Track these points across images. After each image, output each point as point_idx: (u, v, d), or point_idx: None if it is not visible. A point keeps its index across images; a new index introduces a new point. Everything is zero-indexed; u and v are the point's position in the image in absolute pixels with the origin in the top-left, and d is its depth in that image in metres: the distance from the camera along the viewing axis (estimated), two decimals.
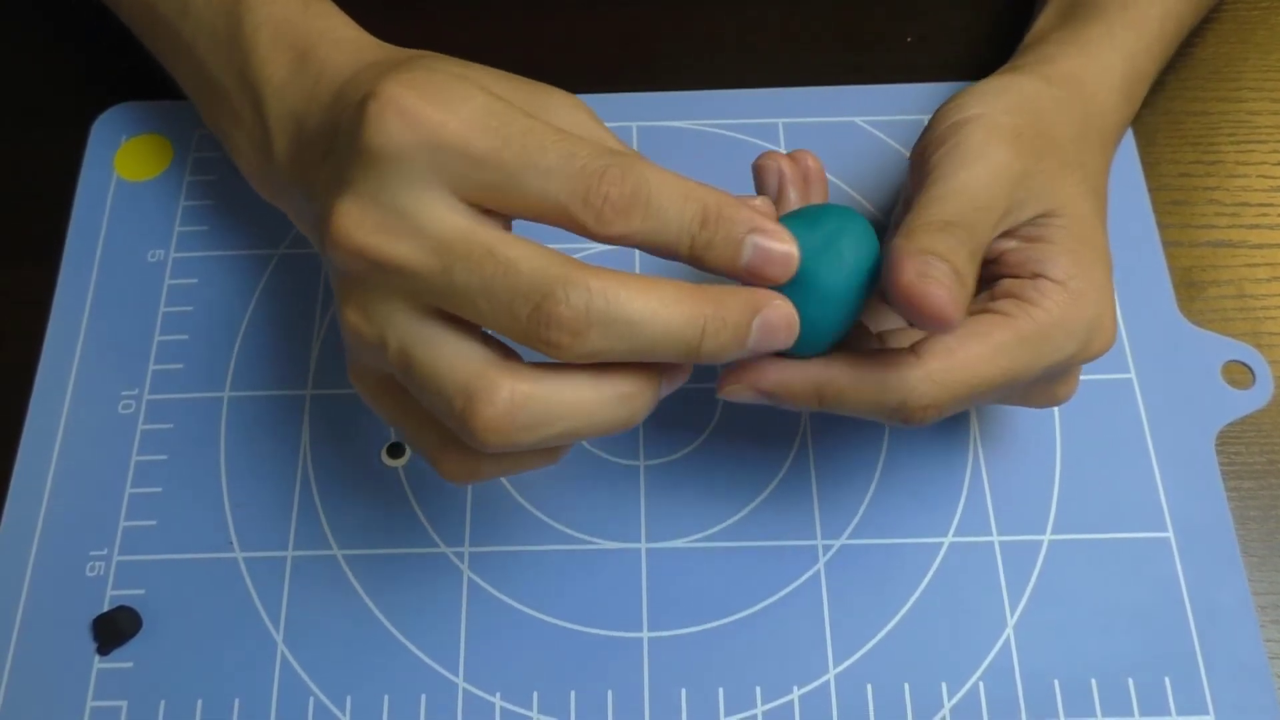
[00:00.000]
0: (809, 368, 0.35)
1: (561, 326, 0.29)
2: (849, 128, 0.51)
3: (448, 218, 0.31)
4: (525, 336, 0.30)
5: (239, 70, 0.40)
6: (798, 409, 0.36)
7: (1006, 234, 0.37)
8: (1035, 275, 0.36)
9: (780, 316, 0.32)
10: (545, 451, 0.34)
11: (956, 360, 0.35)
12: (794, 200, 0.38)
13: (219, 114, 0.42)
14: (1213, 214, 0.50)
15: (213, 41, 0.42)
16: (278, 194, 0.41)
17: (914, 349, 0.35)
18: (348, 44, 0.39)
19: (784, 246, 0.32)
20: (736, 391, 0.35)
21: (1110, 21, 0.44)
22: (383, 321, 0.32)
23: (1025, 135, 0.38)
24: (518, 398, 0.30)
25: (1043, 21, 0.47)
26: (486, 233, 0.31)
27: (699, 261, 0.32)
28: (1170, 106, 0.53)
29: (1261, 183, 0.51)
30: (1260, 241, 0.49)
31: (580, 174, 0.30)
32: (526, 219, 0.31)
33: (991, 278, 0.37)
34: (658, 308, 0.30)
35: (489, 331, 0.32)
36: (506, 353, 0.32)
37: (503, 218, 0.32)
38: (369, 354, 0.33)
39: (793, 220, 0.35)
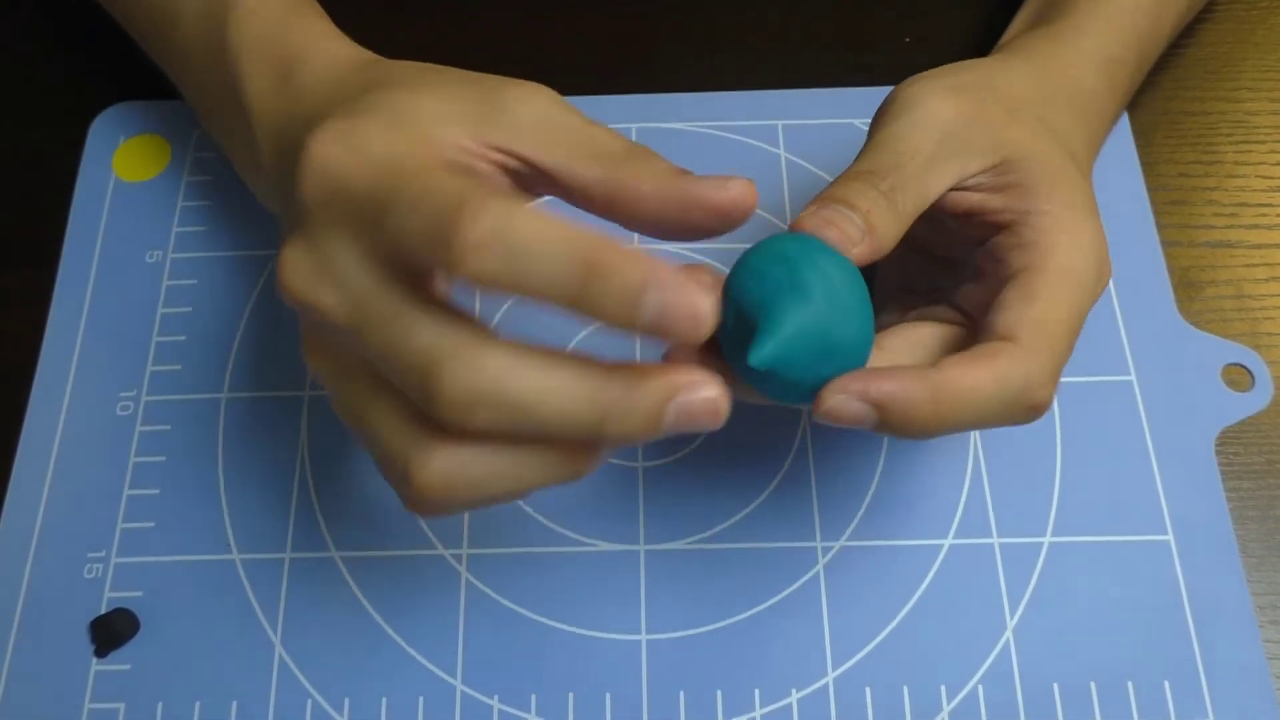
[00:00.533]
0: (922, 371, 0.33)
1: (446, 404, 0.28)
2: (848, 129, 0.51)
3: (361, 276, 0.30)
4: (422, 402, 0.29)
5: (229, 85, 0.40)
6: (902, 430, 0.33)
7: (968, 188, 0.37)
8: (1023, 213, 0.36)
9: (701, 403, 0.29)
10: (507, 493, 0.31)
11: (1036, 315, 0.34)
12: None
13: (217, 126, 0.43)
14: (1211, 214, 0.50)
15: (204, 54, 0.41)
16: (274, 206, 0.41)
17: (995, 333, 0.34)
18: (324, 65, 0.38)
19: (689, 300, 0.27)
20: (840, 405, 0.32)
21: (1080, 15, 0.44)
22: (334, 367, 0.32)
23: (966, 91, 0.38)
24: (449, 467, 0.29)
25: (1015, 25, 0.47)
26: (393, 294, 0.30)
27: (590, 318, 0.28)
28: (1169, 106, 0.53)
29: (1260, 183, 0.51)
30: (1259, 242, 0.49)
31: (444, 242, 0.28)
32: (411, 268, 0.30)
33: (982, 237, 0.37)
34: (553, 389, 0.28)
35: None
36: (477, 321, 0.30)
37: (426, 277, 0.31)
38: (326, 366, 0.33)
39: (757, 255, 0.33)
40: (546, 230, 0.27)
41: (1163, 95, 0.53)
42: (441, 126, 0.33)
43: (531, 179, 0.34)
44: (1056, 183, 0.36)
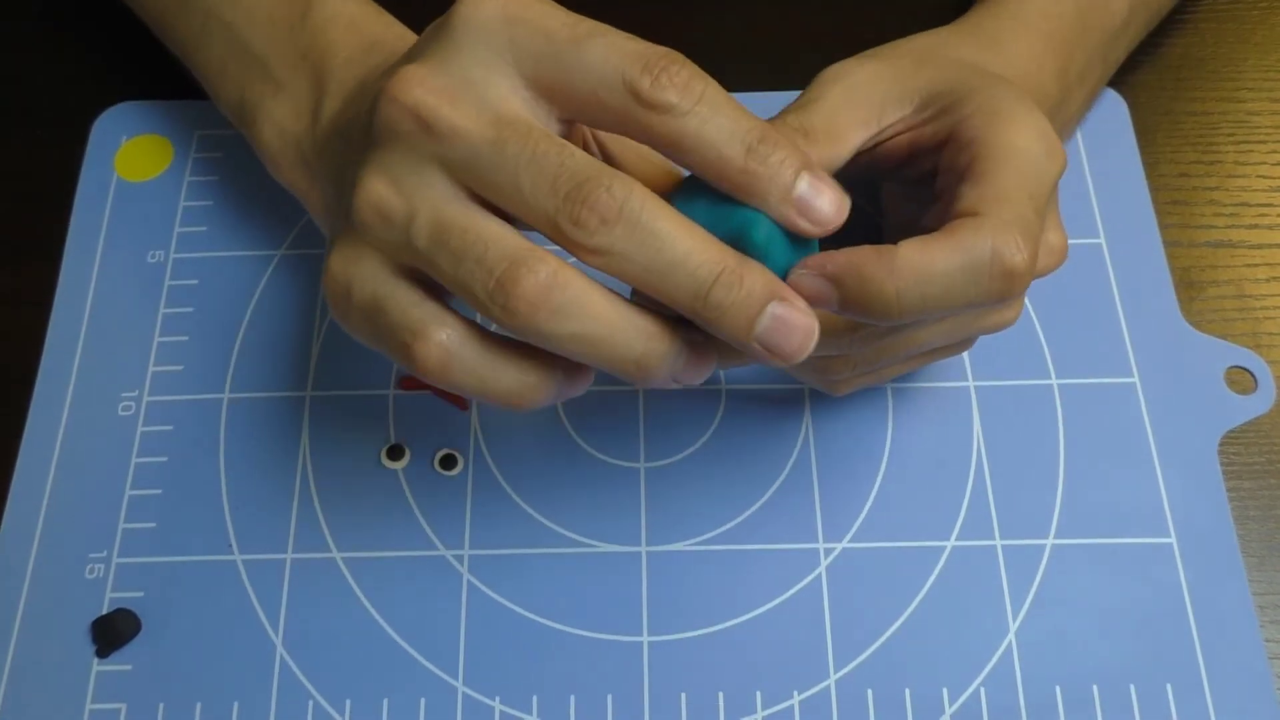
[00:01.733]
0: (880, 247, 0.32)
1: (596, 209, 0.29)
2: None
3: (511, 97, 0.31)
4: (555, 208, 0.29)
5: (299, 51, 0.41)
6: (866, 308, 0.33)
7: (896, 134, 0.37)
8: (955, 124, 0.36)
9: (801, 322, 0.30)
10: (521, 389, 0.32)
11: (991, 190, 0.33)
12: None
13: (251, 84, 0.42)
14: (1212, 214, 0.50)
15: (269, 25, 0.42)
16: (304, 164, 0.41)
17: (961, 210, 0.34)
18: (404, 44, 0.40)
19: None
20: (799, 280, 0.32)
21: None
22: (414, 191, 0.31)
23: (877, 55, 0.39)
24: (559, 277, 0.30)
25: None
26: (544, 123, 0.31)
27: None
28: (1170, 107, 0.53)
29: (1261, 183, 0.51)
30: (1259, 242, 0.49)
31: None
32: (579, 115, 0.32)
33: (934, 169, 0.37)
34: (686, 235, 0.29)
35: None
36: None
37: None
38: (385, 228, 0.32)
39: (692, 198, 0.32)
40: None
41: (1164, 95, 0.53)
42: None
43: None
44: (980, 89, 0.36)
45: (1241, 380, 0.46)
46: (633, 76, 0.30)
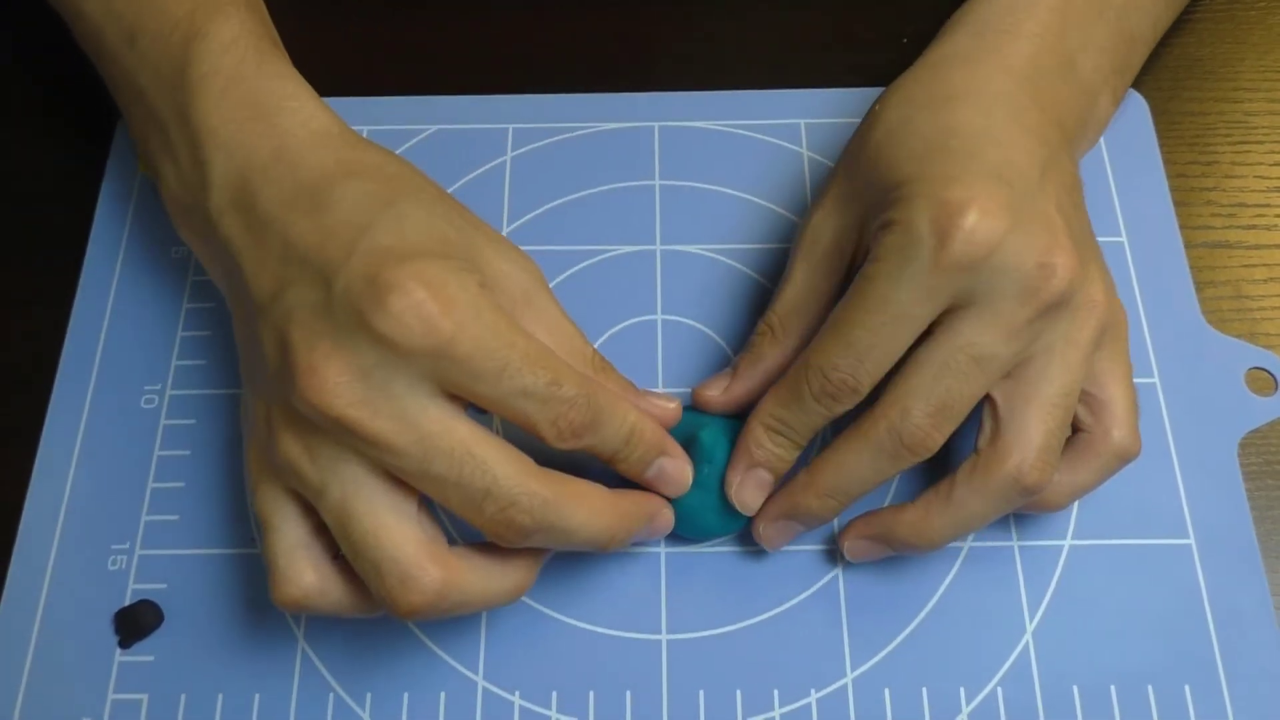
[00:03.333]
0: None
1: (515, 529, 0.34)
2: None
3: (431, 410, 0.34)
4: (482, 525, 0.35)
5: (181, 112, 0.41)
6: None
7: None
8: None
9: (664, 522, 0.40)
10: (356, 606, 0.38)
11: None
12: None
13: (152, 141, 0.42)
14: (1209, 215, 0.50)
15: (156, 77, 0.42)
16: (195, 234, 0.42)
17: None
18: (313, 132, 0.40)
19: (677, 471, 0.39)
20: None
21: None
22: (328, 468, 0.35)
23: (844, 176, 0.42)
24: (443, 589, 0.35)
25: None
26: (465, 430, 0.34)
27: (614, 466, 0.38)
28: (1167, 107, 0.52)
29: (1258, 183, 0.51)
30: (1257, 242, 0.49)
31: (556, 402, 0.35)
32: (495, 414, 0.37)
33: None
34: (589, 519, 0.36)
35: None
36: (436, 529, 0.36)
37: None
38: (297, 483, 0.36)
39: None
40: (619, 410, 0.37)
41: (1160, 96, 0.53)
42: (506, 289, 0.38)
43: None
44: (895, 209, 0.37)
45: (1262, 381, 0.46)
46: (543, 429, 0.35)
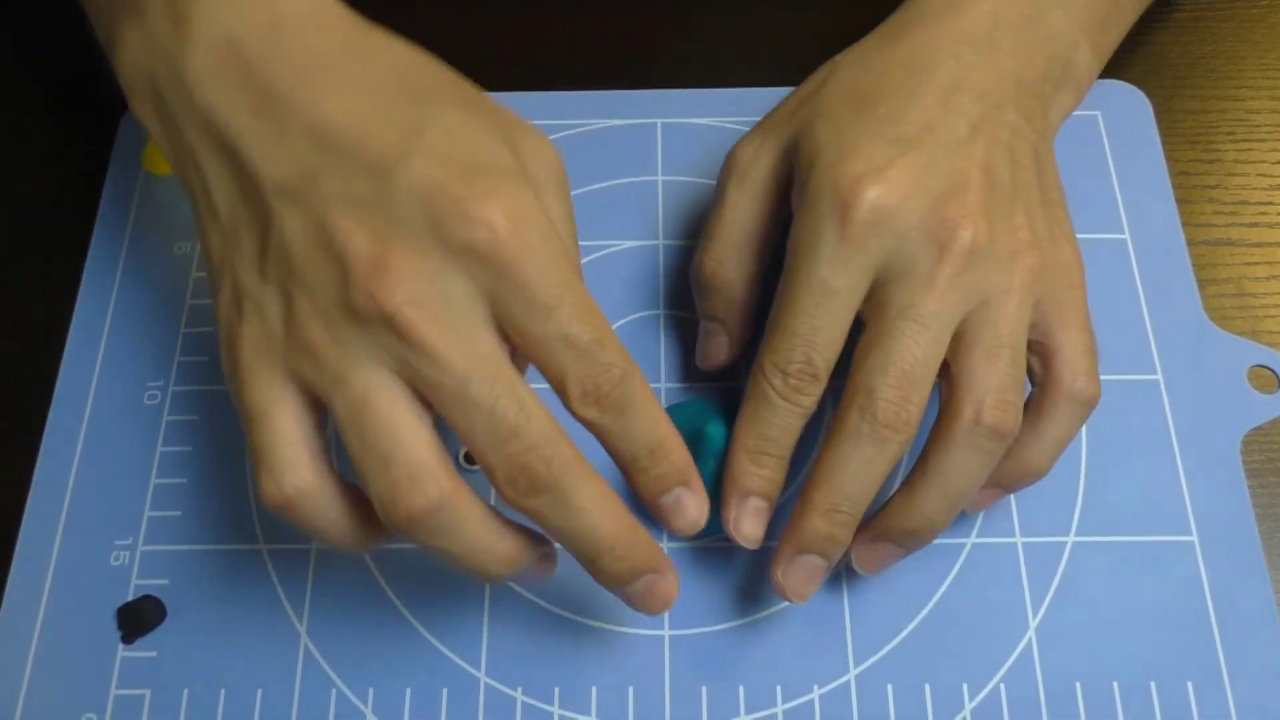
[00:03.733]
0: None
1: (530, 477, 0.33)
2: None
3: (483, 334, 0.33)
4: (498, 464, 0.33)
5: None
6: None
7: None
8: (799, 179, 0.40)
9: (663, 591, 0.36)
10: (341, 536, 0.35)
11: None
12: None
13: (116, 13, 0.38)
14: (1212, 212, 0.50)
15: None
16: (158, 110, 0.37)
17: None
18: (313, 9, 0.37)
19: (695, 511, 0.36)
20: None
21: None
22: (355, 360, 0.33)
23: (779, 111, 0.43)
24: (445, 501, 0.33)
25: None
26: (509, 368, 0.33)
27: (631, 477, 0.36)
28: (1170, 105, 0.53)
29: (1261, 181, 0.51)
30: (1259, 240, 0.49)
31: (592, 361, 0.33)
32: (531, 361, 0.35)
33: None
34: (599, 509, 0.34)
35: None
36: (448, 454, 0.34)
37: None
38: (311, 370, 0.33)
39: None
40: (652, 409, 0.35)
41: (1163, 94, 0.53)
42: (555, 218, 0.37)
43: None
44: (807, 140, 0.39)
45: (1264, 379, 0.46)
46: (571, 388, 0.34)
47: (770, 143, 0.42)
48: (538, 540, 0.36)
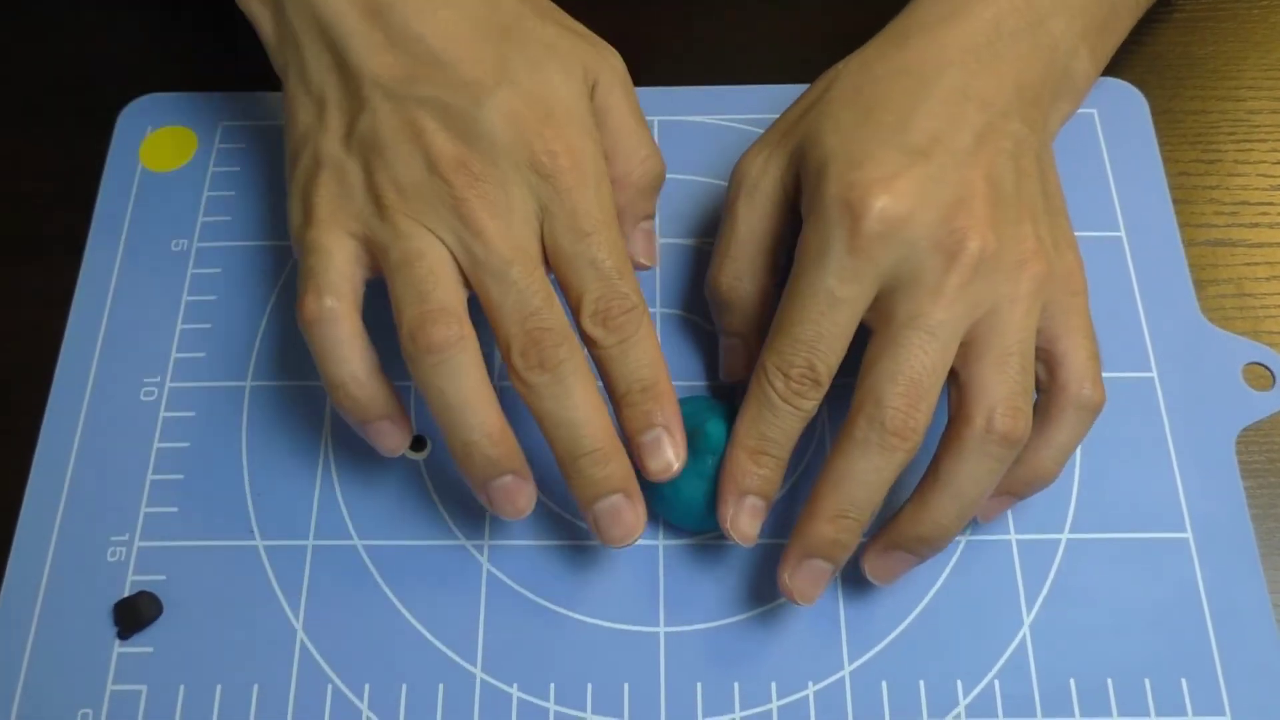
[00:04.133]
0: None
1: (540, 354, 0.37)
2: None
3: (532, 238, 0.38)
4: (515, 334, 0.37)
5: None
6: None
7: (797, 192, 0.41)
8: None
9: (630, 517, 0.39)
10: (395, 428, 0.40)
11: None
12: None
13: None
14: (1212, 213, 0.50)
15: None
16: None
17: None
18: None
19: (672, 454, 0.39)
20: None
21: None
22: (418, 227, 0.38)
23: (783, 123, 0.43)
24: (463, 341, 0.37)
25: None
26: (543, 271, 0.38)
27: (619, 409, 0.39)
28: (1170, 105, 0.53)
29: (1261, 181, 0.51)
30: (1260, 240, 0.49)
31: (610, 286, 0.38)
32: (557, 276, 0.39)
33: None
34: (591, 412, 0.37)
35: None
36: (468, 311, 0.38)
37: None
38: (381, 221, 0.38)
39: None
40: (652, 349, 0.39)
41: (1163, 94, 0.53)
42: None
43: None
44: (813, 158, 0.40)
45: (1260, 376, 0.46)
46: (585, 301, 0.38)
47: (777, 154, 0.42)
48: (516, 451, 0.38)
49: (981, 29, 0.41)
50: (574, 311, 0.38)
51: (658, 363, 0.39)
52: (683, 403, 0.43)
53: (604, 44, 0.43)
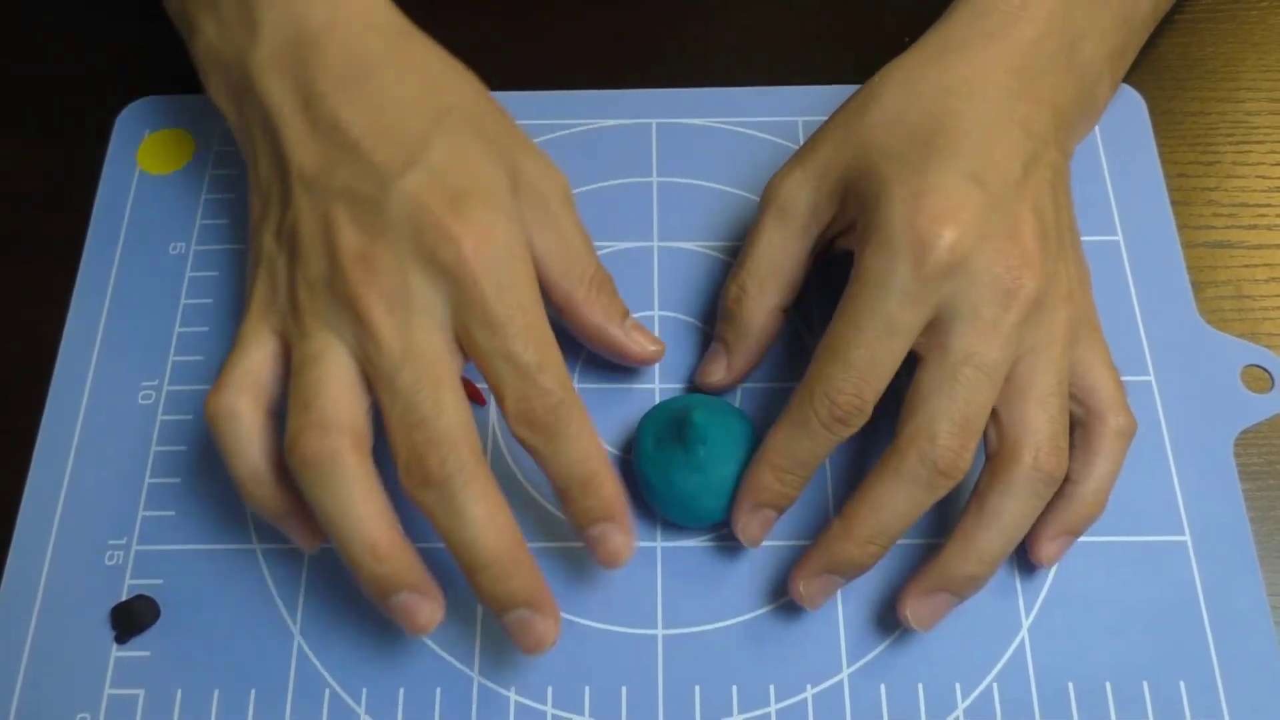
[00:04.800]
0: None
1: (423, 469, 0.35)
2: None
3: (435, 336, 0.37)
4: (399, 447, 0.36)
5: None
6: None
7: (843, 223, 0.41)
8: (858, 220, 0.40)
9: (539, 630, 0.37)
10: (303, 527, 0.39)
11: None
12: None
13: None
14: (1210, 214, 0.50)
15: None
16: (228, 93, 0.43)
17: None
18: (367, 11, 0.42)
19: (619, 545, 0.38)
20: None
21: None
22: (320, 327, 0.37)
23: (821, 145, 0.42)
24: (339, 454, 0.36)
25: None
26: (446, 369, 0.37)
27: (562, 504, 0.38)
28: (1168, 107, 0.53)
29: (1259, 183, 0.51)
30: (1258, 242, 0.49)
31: (530, 383, 0.37)
32: (480, 372, 0.38)
33: None
34: (485, 524, 0.36)
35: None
36: (367, 432, 0.37)
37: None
38: (290, 320, 0.38)
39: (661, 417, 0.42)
40: (587, 441, 0.37)
41: (1162, 95, 0.53)
42: (524, 234, 0.39)
43: None
44: (872, 185, 0.39)
45: (1258, 378, 0.46)
46: (508, 404, 0.37)
47: (812, 181, 0.42)
48: (406, 553, 0.37)
49: (1023, 51, 0.41)
50: (500, 409, 0.37)
51: (592, 453, 0.37)
52: (670, 401, 0.43)
53: (547, 157, 0.42)
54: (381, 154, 0.38)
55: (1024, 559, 0.42)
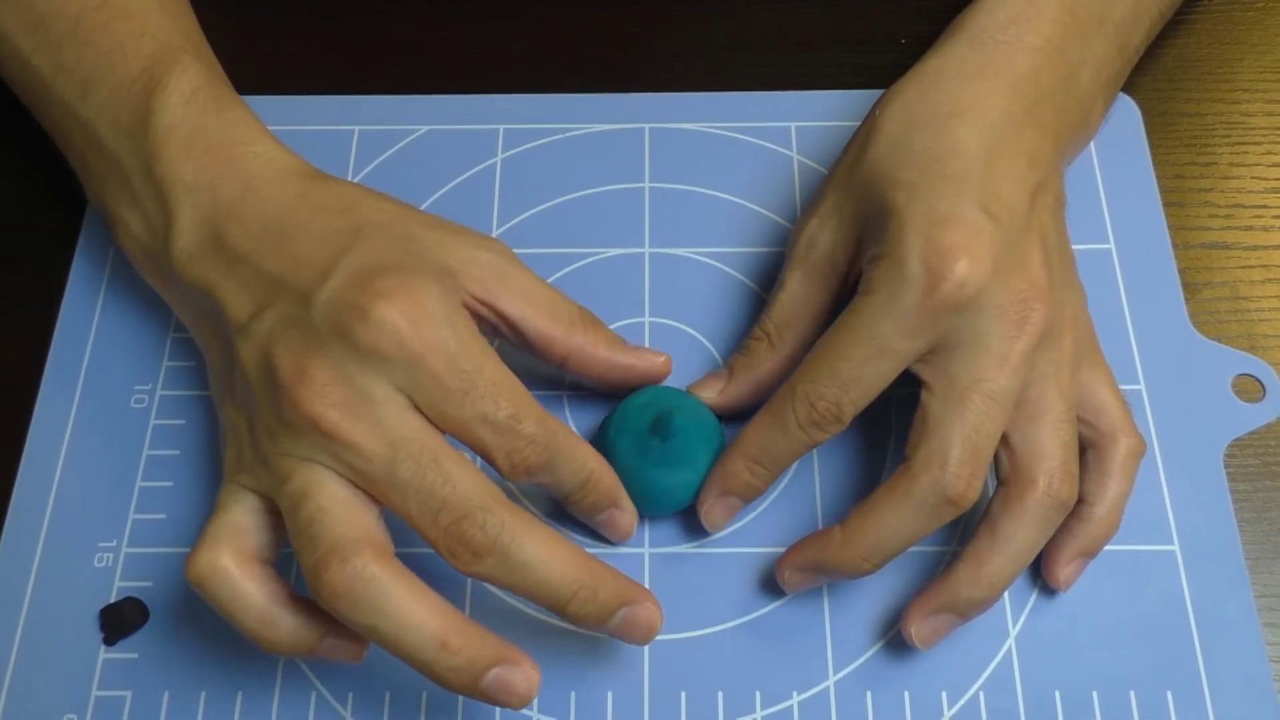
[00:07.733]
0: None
1: (469, 545, 0.35)
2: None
3: (408, 419, 0.36)
4: (436, 538, 0.35)
5: (145, 162, 0.42)
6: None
7: (862, 258, 0.40)
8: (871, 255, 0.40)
9: (644, 618, 0.37)
10: (342, 644, 0.38)
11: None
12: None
13: (111, 192, 0.44)
14: (1207, 216, 0.50)
15: (115, 129, 0.43)
16: (160, 278, 0.44)
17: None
18: (277, 171, 0.42)
19: (626, 524, 0.41)
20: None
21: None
22: (296, 463, 0.36)
23: (839, 186, 0.42)
24: (365, 572, 0.34)
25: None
26: (435, 441, 0.36)
27: (569, 507, 0.41)
28: (1165, 108, 0.52)
29: (1256, 184, 0.51)
30: (1255, 243, 0.49)
31: (514, 435, 0.36)
32: (458, 441, 0.37)
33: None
34: (549, 560, 0.35)
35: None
36: (388, 539, 0.36)
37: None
38: (264, 475, 0.37)
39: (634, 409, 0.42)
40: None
41: (1158, 97, 0.53)
42: (466, 284, 0.39)
43: (495, 326, 0.41)
44: (889, 222, 0.39)
45: (1249, 388, 0.45)
46: (497, 458, 0.37)
47: (830, 222, 0.42)
48: (467, 628, 0.36)
49: (1023, 79, 0.41)
50: (493, 467, 0.37)
51: (586, 459, 0.39)
52: (641, 391, 0.43)
53: (480, 235, 0.42)
54: (302, 277, 0.38)
55: None
